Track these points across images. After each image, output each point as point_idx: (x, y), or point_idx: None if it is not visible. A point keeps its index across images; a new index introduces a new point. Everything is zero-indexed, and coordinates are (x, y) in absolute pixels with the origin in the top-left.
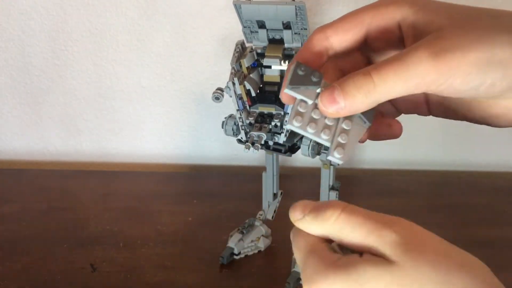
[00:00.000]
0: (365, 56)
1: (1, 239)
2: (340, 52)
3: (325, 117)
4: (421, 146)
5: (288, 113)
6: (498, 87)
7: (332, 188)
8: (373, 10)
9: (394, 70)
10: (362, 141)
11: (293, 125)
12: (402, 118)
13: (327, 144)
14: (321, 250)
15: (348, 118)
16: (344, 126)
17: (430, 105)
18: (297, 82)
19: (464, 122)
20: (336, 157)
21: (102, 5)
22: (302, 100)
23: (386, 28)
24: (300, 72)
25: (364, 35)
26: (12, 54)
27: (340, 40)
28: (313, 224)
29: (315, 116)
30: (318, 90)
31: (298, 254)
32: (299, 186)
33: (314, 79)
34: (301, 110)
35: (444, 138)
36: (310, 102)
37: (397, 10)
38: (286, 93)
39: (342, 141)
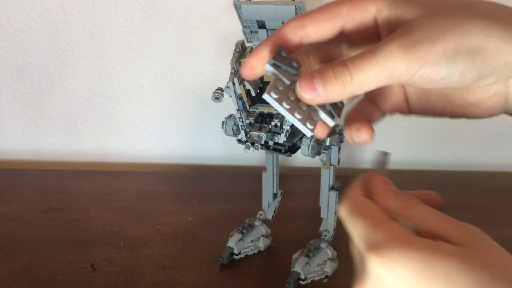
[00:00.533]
0: (338, 48)
1: (1, 239)
2: (314, 42)
3: (298, 102)
4: (421, 146)
5: None
6: (468, 76)
7: (332, 188)
8: (349, 2)
9: (367, 63)
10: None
11: (271, 96)
12: (401, 118)
13: (298, 122)
14: (394, 224)
15: (319, 109)
16: (313, 115)
17: (409, 102)
18: (279, 60)
19: (465, 122)
20: (308, 128)
21: (102, 5)
22: (279, 79)
23: (362, 21)
24: (283, 54)
25: (340, 27)
26: (12, 54)
27: (316, 30)
28: (392, 198)
29: (290, 97)
30: (295, 78)
31: (363, 220)
32: (299, 186)
33: (294, 65)
34: (279, 87)
35: (444, 138)
36: (287, 83)
37: (373, 4)
38: (251, 64)
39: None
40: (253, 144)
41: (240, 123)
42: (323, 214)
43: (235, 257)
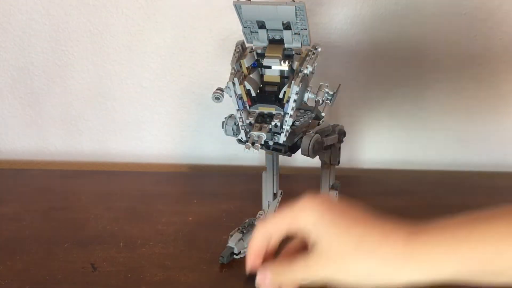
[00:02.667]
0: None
1: (1, 239)
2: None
3: None
4: (421, 146)
5: (288, 113)
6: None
7: (332, 187)
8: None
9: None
10: None
11: None
12: (402, 118)
13: None
14: None
15: None
16: None
17: None
18: None
19: (464, 122)
20: None
21: (102, 5)
22: None
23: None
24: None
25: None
26: (13, 54)
27: (277, 234)
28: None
29: None
30: None
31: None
32: (299, 186)
33: None
34: None
35: (444, 138)
36: None
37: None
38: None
39: None
40: (253, 144)
41: (240, 123)
42: None
43: (235, 256)
